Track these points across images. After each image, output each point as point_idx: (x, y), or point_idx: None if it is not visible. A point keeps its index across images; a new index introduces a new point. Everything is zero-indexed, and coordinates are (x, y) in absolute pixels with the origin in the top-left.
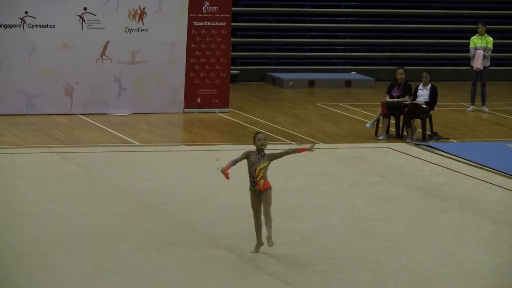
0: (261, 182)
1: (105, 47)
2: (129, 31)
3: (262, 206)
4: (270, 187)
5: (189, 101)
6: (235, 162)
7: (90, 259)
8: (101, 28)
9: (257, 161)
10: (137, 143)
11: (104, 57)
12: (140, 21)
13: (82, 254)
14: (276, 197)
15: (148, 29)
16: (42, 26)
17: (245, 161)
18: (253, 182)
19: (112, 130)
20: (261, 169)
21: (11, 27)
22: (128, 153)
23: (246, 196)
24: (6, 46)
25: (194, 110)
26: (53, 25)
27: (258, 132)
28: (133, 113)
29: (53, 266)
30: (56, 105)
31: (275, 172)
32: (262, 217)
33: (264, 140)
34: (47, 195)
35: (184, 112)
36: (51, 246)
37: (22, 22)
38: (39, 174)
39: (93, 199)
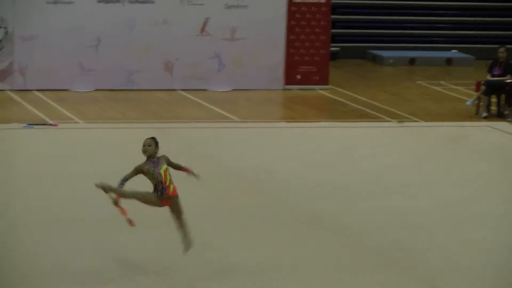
0: (171, 187)
1: (204, 23)
2: (228, 8)
3: (174, 215)
4: (177, 195)
5: (289, 78)
6: (124, 180)
7: (193, 236)
8: (200, 5)
9: (156, 166)
10: (237, 119)
11: (204, 33)
12: None
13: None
14: (374, 175)
15: (247, 5)
16: (142, 2)
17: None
18: (162, 189)
19: (211, 106)
20: (165, 171)
21: (111, 3)
22: (227, 129)
23: (348, 172)
24: (106, 22)
25: (294, 87)
26: (153, 1)
27: (146, 138)
28: (233, 90)
29: (156, 241)
30: (156, 81)
31: (374, 151)
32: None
33: (149, 146)
34: None
35: (283, 89)
36: (152, 221)
37: None
38: (138, 150)
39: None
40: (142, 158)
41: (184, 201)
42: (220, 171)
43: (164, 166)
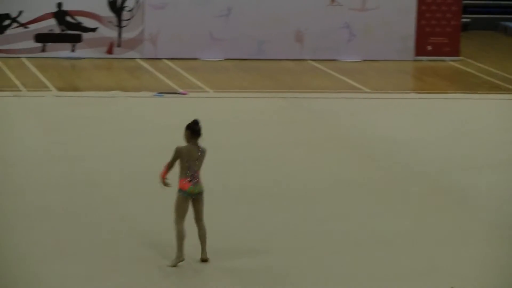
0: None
1: None
2: None
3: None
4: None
5: (420, 49)
6: None
7: (308, 206)
8: None
9: None
10: (367, 90)
11: (334, 3)
12: None
13: (301, 200)
14: (504, 148)
15: None
16: None
17: None
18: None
19: (341, 76)
20: None
21: None
22: (357, 100)
23: (478, 144)
24: None
25: (424, 58)
26: None
27: None
28: (363, 60)
29: (269, 210)
30: (286, 51)
31: (506, 123)
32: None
33: None
34: (274, 140)
35: (414, 60)
36: (271, 192)
37: None
38: (267, 119)
39: (320, 145)
40: (269, 126)
41: (316, 172)
42: (351, 142)
43: None
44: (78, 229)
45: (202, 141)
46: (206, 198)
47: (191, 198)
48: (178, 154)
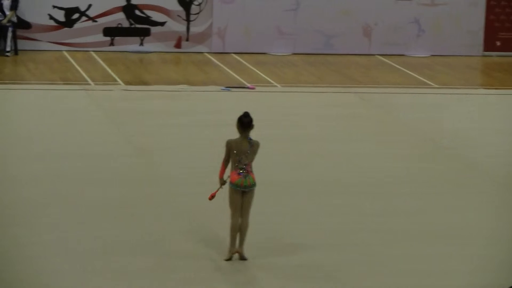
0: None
1: None
2: None
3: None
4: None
5: (488, 44)
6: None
7: (371, 200)
8: None
9: None
10: (435, 85)
11: None
12: None
13: (366, 195)
14: None
15: None
16: None
17: None
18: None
19: (410, 71)
20: None
21: None
22: (425, 95)
23: None
24: None
25: (493, 53)
26: None
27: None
28: (431, 55)
29: (331, 204)
30: (354, 45)
31: None
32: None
33: None
34: (342, 134)
35: (482, 55)
36: (337, 185)
37: None
38: (335, 114)
39: (385, 140)
40: (337, 121)
41: (383, 166)
42: (419, 136)
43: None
44: (134, 223)
45: (263, 134)
46: (269, 191)
47: (240, 190)
48: (229, 147)
